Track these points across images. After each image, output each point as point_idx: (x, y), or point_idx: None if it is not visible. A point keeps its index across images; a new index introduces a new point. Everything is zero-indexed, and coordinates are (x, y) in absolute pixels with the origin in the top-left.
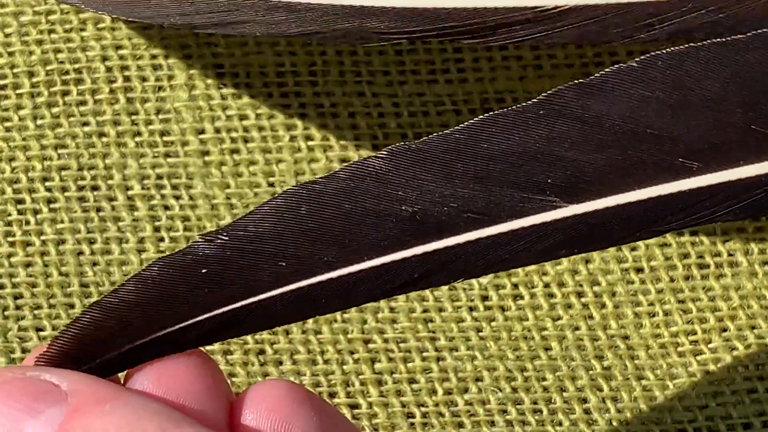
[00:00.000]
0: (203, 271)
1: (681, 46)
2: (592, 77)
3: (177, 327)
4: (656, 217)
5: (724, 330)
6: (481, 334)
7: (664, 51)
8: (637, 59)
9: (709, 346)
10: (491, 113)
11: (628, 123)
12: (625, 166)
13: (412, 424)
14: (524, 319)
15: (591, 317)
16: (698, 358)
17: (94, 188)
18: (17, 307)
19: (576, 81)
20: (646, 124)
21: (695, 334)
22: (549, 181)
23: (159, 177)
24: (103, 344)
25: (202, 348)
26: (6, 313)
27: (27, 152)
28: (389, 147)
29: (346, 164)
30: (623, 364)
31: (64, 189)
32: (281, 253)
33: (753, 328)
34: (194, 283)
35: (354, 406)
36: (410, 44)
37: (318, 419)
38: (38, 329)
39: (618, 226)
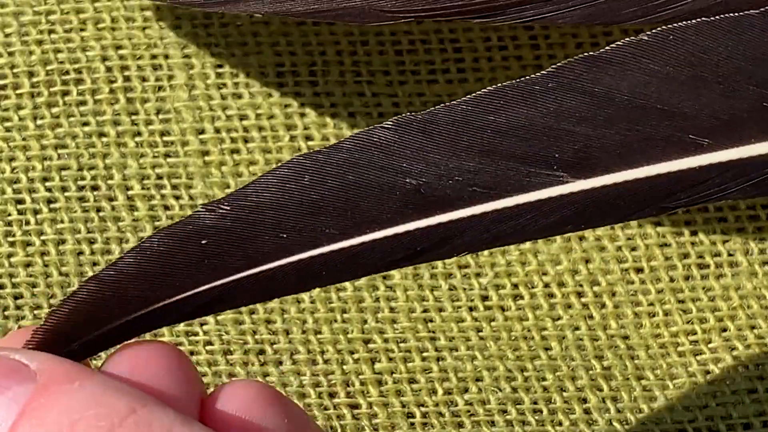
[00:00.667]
0: (203, 241)
1: (693, 20)
2: (603, 50)
3: (176, 298)
4: (665, 193)
5: (724, 330)
6: (481, 334)
7: (675, 25)
8: (648, 33)
9: (709, 346)
10: (499, 85)
11: (638, 98)
12: (633, 141)
13: (412, 424)
14: (524, 319)
15: (591, 317)
16: (698, 358)
17: (94, 188)
18: (17, 307)
19: (586, 54)
20: (656, 100)
21: (695, 334)
22: (556, 155)
23: (159, 177)
24: (101, 318)
25: (183, 349)
26: (6, 313)
27: (27, 152)
28: (395, 117)
29: (350, 135)
30: (623, 364)
31: (64, 189)
32: (282, 224)
33: (753, 328)
34: (194, 254)
35: (354, 406)
36: (410, 44)
37: (288, 420)
38: None
39: (625, 202)
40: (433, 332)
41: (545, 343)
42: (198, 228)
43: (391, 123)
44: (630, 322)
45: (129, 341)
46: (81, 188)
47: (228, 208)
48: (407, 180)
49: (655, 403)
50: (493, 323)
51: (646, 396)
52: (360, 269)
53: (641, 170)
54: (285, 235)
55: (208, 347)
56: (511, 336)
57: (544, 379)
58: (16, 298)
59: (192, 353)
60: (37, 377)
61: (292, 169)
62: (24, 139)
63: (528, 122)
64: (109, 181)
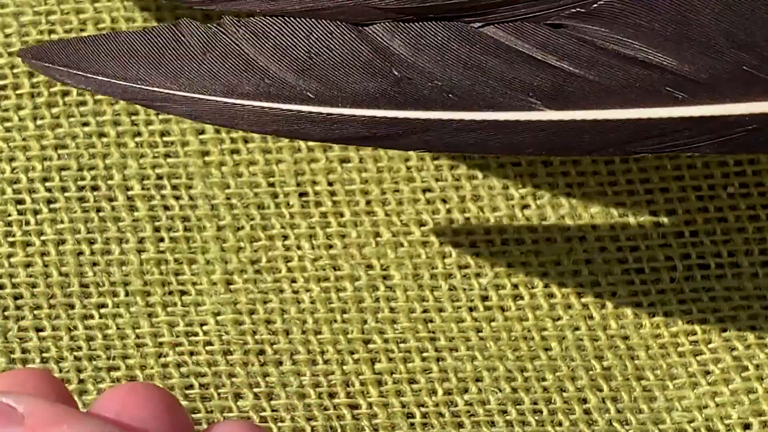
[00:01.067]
0: None
1: None
2: (594, 6)
3: None
4: (631, 137)
5: (724, 330)
6: (481, 334)
7: None
8: None
9: (709, 346)
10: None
11: (623, 48)
12: (611, 85)
13: (412, 424)
14: (524, 319)
15: (591, 317)
16: (698, 358)
17: (94, 188)
18: (17, 307)
19: (576, 9)
20: (639, 52)
21: (695, 334)
22: (534, 84)
23: (159, 177)
24: None
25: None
26: (6, 313)
27: (27, 152)
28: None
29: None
30: (623, 365)
31: (64, 189)
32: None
33: (753, 328)
34: None
35: (354, 406)
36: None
37: None
38: (38, 329)
39: (590, 138)
40: (433, 332)
41: (545, 344)
42: None
43: (390, 24)
44: (630, 323)
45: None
46: (81, 188)
47: None
48: (393, 70)
49: (654, 403)
50: (493, 323)
51: (646, 396)
52: (332, 136)
53: (613, 112)
54: (269, 81)
55: (208, 347)
56: (511, 336)
57: (544, 379)
58: (16, 298)
59: (192, 353)
60: (25, 420)
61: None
62: (24, 140)
63: (515, 47)
64: (109, 182)
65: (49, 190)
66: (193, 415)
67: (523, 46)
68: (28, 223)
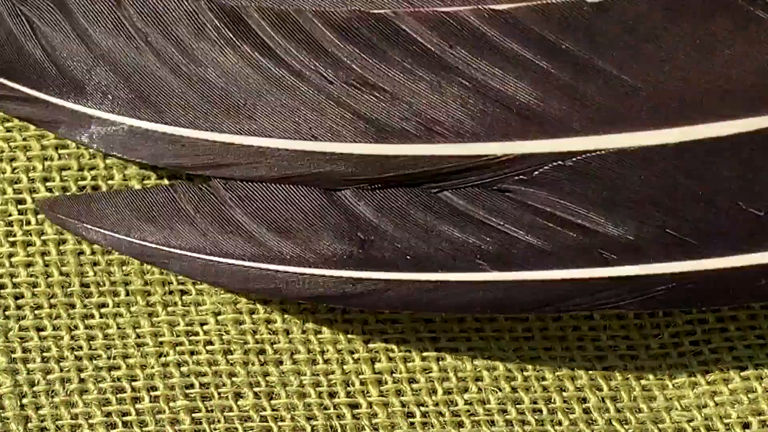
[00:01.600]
0: None
1: (613, 149)
2: (536, 174)
3: None
4: (566, 296)
5: (724, 330)
6: (481, 334)
7: (597, 154)
8: (573, 159)
9: (709, 346)
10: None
11: (561, 212)
12: (549, 247)
13: (412, 423)
14: (524, 319)
15: (591, 317)
16: (697, 357)
17: (95, 188)
18: (18, 307)
19: (519, 176)
20: (576, 216)
21: (694, 334)
22: (482, 246)
23: (159, 177)
24: None
25: None
26: (7, 312)
27: (28, 152)
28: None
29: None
30: (623, 364)
31: (64, 189)
32: None
33: (752, 328)
34: None
35: (354, 406)
36: None
37: None
38: (39, 329)
39: (531, 297)
40: (433, 332)
41: (546, 343)
42: None
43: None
44: (630, 322)
45: None
46: (81, 188)
47: None
48: (358, 233)
49: (654, 402)
50: (493, 323)
51: (645, 396)
52: (306, 295)
53: (550, 272)
54: None
55: (209, 347)
56: (512, 336)
57: (543, 378)
58: (16, 297)
59: (192, 353)
60: None
61: None
62: (25, 140)
63: (465, 212)
64: (110, 182)
65: (50, 190)
66: (194, 415)
67: (473, 211)
68: (29, 222)
